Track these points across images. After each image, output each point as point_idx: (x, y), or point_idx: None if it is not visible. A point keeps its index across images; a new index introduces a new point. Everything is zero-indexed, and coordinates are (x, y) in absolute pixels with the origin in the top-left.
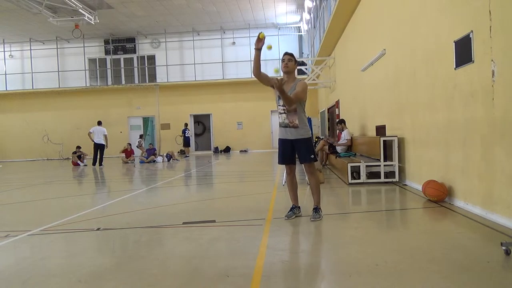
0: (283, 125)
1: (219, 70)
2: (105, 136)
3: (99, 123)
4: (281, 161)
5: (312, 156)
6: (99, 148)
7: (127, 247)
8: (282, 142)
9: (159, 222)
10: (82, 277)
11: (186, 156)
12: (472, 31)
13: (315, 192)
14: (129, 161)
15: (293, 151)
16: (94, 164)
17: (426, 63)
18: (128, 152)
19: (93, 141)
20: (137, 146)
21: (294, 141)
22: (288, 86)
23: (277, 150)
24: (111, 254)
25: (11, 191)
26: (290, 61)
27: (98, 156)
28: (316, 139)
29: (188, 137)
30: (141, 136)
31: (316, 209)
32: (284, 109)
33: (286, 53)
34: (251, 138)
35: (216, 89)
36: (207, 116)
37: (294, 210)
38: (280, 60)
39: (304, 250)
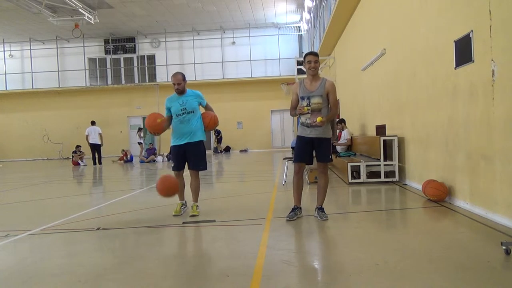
0: (305, 125)
1: (219, 70)
2: (100, 135)
3: (93, 123)
4: (297, 159)
5: (330, 156)
6: (95, 148)
7: (127, 247)
8: (301, 140)
9: (159, 222)
10: (82, 277)
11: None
12: (472, 31)
13: (322, 192)
14: (123, 162)
15: (312, 150)
16: (94, 164)
17: (426, 62)
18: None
19: (88, 143)
20: (139, 143)
21: (315, 140)
22: (314, 86)
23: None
24: (111, 254)
25: (11, 190)
26: (316, 63)
27: (96, 156)
28: None
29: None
30: (140, 129)
31: (322, 209)
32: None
33: (311, 53)
34: (251, 138)
35: (216, 89)
36: None
37: (296, 211)
38: (304, 61)
39: (304, 250)
